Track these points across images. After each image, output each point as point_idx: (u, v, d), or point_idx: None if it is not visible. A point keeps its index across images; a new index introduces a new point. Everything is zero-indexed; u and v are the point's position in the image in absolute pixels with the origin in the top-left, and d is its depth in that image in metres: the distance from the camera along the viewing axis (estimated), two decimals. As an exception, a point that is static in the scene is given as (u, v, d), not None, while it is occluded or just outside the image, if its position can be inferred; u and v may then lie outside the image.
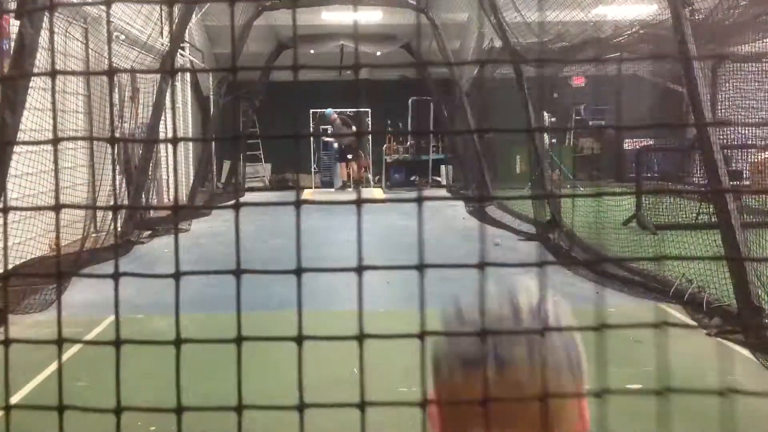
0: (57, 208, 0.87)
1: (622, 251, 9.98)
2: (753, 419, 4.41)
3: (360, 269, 0.91)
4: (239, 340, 0.91)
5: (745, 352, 5.95)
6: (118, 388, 0.92)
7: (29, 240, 8.78)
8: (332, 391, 4.56)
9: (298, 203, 0.86)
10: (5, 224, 0.95)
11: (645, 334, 5.80)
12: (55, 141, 0.89)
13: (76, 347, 6.09)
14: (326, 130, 21.19)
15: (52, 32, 3.66)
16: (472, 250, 11.17)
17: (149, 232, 12.65)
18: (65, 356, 6.09)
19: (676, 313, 7.01)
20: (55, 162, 1.03)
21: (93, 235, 11.08)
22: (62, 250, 9.92)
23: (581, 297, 7.96)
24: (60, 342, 0.93)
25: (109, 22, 9.82)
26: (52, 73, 0.88)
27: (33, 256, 8.95)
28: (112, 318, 7.20)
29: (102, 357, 5.75)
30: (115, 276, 0.94)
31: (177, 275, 0.92)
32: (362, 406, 0.90)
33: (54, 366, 5.78)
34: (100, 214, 11.38)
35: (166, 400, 0.92)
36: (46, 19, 7.32)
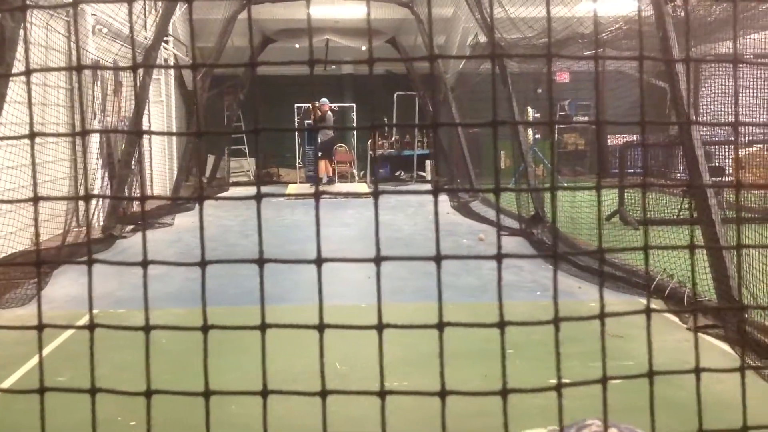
0: (35, 200, 0.87)
1: (604, 246, 10.04)
2: (728, 409, 4.46)
3: (319, 262, 0.91)
4: (220, 331, 0.91)
5: (725, 346, 6.01)
6: (92, 373, 0.92)
7: (10, 234, 8.71)
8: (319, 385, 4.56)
9: (259, 197, 0.87)
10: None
11: (625, 329, 5.85)
12: (32, 136, 0.88)
13: (56, 342, 6.06)
14: (309, 125, 21.12)
15: (26, 30, 3.63)
16: (457, 245, 11.20)
17: (132, 226, 12.58)
18: (45, 351, 6.04)
19: (658, 308, 7.07)
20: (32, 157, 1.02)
21: (75, 229, 11.00)
22: (44, 245, 9.84)
23: (564, 292, 8.02)
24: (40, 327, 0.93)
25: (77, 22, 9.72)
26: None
27: (14, 251, 8.87)
28: (95, 312, 7.15)
29: (82, 353, 5.71)
30: (89, 262, 0.94)
31: (145, 263, 0.92)
32: (382, 394, 0.91)
33: (36, 359, 5.74)
34: (82, 208, 11.29)
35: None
36: (27, 13, 7.25)
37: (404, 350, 5.70)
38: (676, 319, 6.77)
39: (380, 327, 0.87)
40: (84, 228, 11.08)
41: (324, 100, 20.20)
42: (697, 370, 0.86)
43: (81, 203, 11.14)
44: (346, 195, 17.40)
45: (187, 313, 7.02)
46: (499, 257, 0.88)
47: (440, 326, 0.88)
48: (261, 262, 0.89)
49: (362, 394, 0.90)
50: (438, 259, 0.89)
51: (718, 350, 5.95)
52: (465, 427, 4.25)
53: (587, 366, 5.37)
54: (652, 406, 0.88)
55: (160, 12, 13.63)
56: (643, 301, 7.28)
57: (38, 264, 1.28)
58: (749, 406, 1.46)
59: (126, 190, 12.82)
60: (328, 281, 8.81)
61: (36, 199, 0.86)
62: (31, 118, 1.07)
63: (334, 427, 4.39)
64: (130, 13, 1.19)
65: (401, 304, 7.23)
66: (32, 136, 0.88)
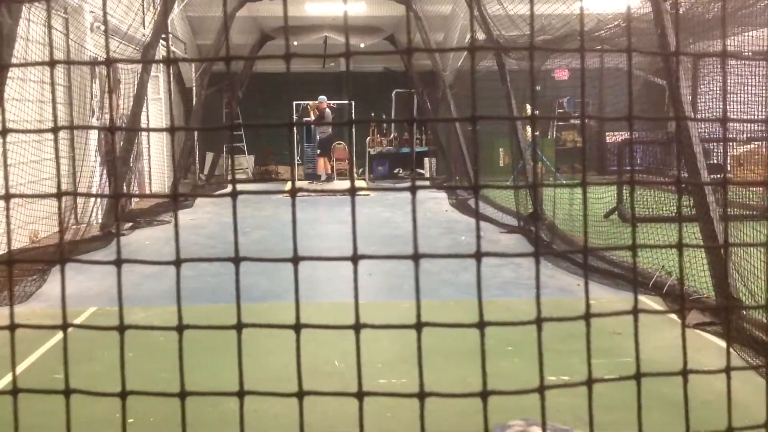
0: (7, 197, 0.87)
1: (603, 244, 10.05)
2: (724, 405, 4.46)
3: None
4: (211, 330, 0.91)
5: (724, 343, 6.02)
6: (66, 371, 0.92)
7: (1, 234, 8.70)
8: (319, 382, 4.57)
9: (234, 194, 0.87)
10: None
11: (624, 326, 5.86)
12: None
13: (53, 341, 6.05)
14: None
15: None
16: (455, 242, 11.20)
17: (130, 223, 12.57)
18: (42, 349, 6.03)
19: (656, 305, 7.07)
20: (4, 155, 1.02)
21: (73, 226, 10.99)
22: (42, 242, 9.84)
23: (563, 290, 8.03)
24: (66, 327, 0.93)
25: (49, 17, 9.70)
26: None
27: (13, 248, 8.86)
28: (92, 309, 7.16)
29: (79, 350, 5.72)
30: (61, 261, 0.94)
31: (119, 262, 0.92)
32: (360, 395, 0.91)
33: (33, 358, 5.74)
34: (80, 205, 11.29)
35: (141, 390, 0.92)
36: (25, 9, 7.23)
37: (402, 347, 5.71)
38: (674, 316, 6.77)
39: (357, 327, 0.87)
40: (82, 225, 11.07)
41: (322, 97, 20.16)
42: (684, 372, 0.86)
43: (80, 200, 11.13)
44: (332, 192, 17.36)
45: (184, 310, 7.00)
46: (478, 256, 0.88)
47: (418, 326, 0.88)
48: (237, 260, 0.89)
49: (341, 396, 0.90)
50: (416, 257, 0.89)
51: (715, 347, 5.96)
52: (468, 425, 4.26)
53: (585, 363, 5.37)
54: (639, 408, 0.88)
55: (158, 9, 13.61)
56: (642, 298, 7.29)
57: (10, 263, 1.28)
58: (750, 404, 1.46)
59: (124, 188, 12.81)
60: (329, 278, 8.80)
61: (60, 194, 0.86)
62: (70, 112, 1.07)
63: (335, 423, 4.38)
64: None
65: (398, 302, 7.24)
66: (55, 130, 0.87)
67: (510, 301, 7.54)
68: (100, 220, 12.12)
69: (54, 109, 1.37)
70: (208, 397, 1.44)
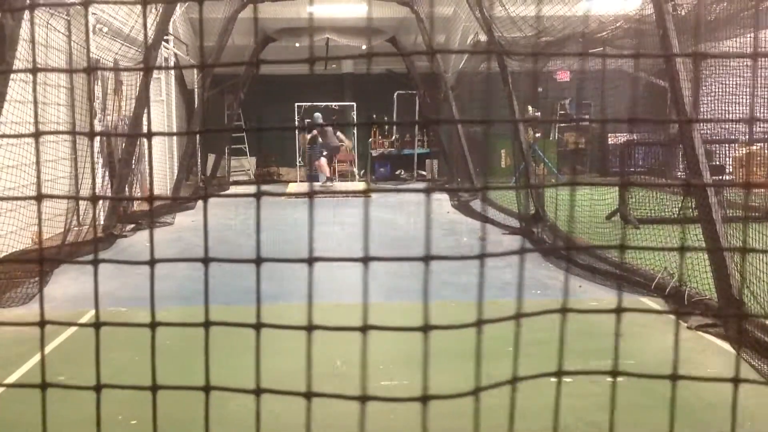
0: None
1: (605, 245, 10.05)
2: (725, 410, 4.46)
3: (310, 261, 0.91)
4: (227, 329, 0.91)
5: (726, 345, 6.01)
6: (42, 369, 0.92)
7: (10, 233, 8.71)
8: (321, 384, 4.55)
9: (206, 197, 0.86)
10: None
11: (626, 327, 5.85)
12: None
13: (56, 342, 6.06)
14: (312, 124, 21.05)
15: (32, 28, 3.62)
16: (457, 244, 11.20)
17: (132, 225, 12.58)
18: (46, 350, 6.02)
19: (658, 307, 7.06)
20: None
21: (75, 228, 11.00)
22: (44, 244, 9.84)
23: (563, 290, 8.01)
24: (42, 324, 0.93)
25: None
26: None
27: (14, 249, 8.88)
28: (94, 311, 7.15)
29: (82, 352, 5.72)
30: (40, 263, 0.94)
31: (96, 262, 0.92)
32: (363, 399, 0.91)
33: (35, 359, 5.74)
34: (82, 207, 11.29)
35: (145, 393, 0.92)
36: (27, 11, 7.24)
37: (404, 349, 5.70)
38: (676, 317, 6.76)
39: (365, 328, 0.87)
40: (85, 227, 11.08)
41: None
42: (674, 377, 0.86)
43: (82, 203, 11.14)
44: (336, 194, 17.39)
45: (183, 310, 7.01)
46: (482, 256, 0.88)
47: (426, 329, 0.88)
48: (206, 261, 0.89)
49: (344, 398, 0.90)
50: (427, 259, 0.89)
51: (717, 348, 5.95)
52: (470, 426, 4.24)
53: (588, 363, 5.37)
54: (612, 412, 0.87)
55: (160, 11, 13.61)
56: (644, 299, 7.28)
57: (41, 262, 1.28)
58: (752, 407, 1.46)
59: (126, 189, 12.82)
60: (336, 279, 8.77)
61: (77, 198, 0.86)
62: (76, 116, 1.07)
63: (335, 424, 4.37)
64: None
65: (400, 303, 7.24)
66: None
67: (511, 302, 7.53)
68: (102, 222, 12.13)
69: (35, 114, 1.37)
70: (208, 398, 1.44)
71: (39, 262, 0.90)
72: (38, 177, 1.46)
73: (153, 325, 0.81)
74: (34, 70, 0.89)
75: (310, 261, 0.91)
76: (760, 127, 9.54)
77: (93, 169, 10.63)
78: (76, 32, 12.51)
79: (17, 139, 8.50)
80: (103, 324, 1.01)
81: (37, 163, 1.33)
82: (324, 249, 10.39)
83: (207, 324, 1.03)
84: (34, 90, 1.47)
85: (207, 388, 0.91)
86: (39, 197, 1.38)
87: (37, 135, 0.92)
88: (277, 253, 9.88)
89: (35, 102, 1.47)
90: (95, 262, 0.93)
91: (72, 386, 0.87)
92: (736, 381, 1.30)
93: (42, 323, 0.93)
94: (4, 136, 8.97)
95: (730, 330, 5.99)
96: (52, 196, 1.45)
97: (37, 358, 5.77)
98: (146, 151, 15.45)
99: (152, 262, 0.86)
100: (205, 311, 0.91)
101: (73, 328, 6.82)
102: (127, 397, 1.39)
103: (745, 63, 8.59)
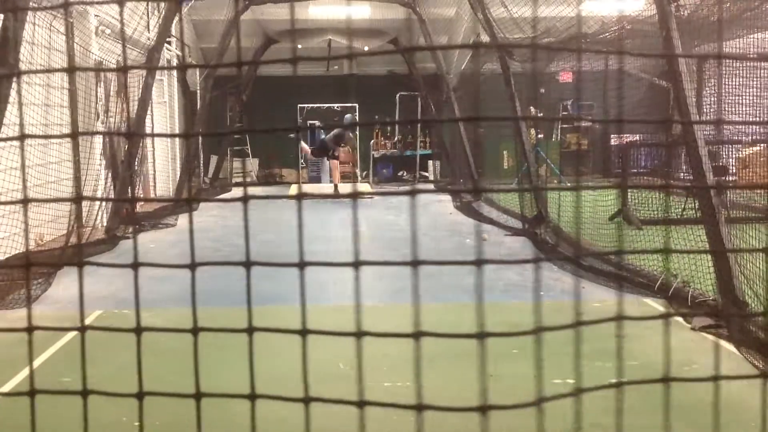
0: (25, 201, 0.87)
1: (607, 246, 10.02)
2: (733, 411, 4.45)
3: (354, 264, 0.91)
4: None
5: (730, 346, 6.00)
6: (28, 376, 0.92)
7: (14, 235, 8.72)
8: (324, 386, 4.55)
9: (190, 200, 0.87)
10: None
11: (629, 328, 5.84)
12: None
13: (60, 343, 6.06)
14: (312, 125, 21.08)
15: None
16: (460, 244, 11.19)
17: (135, 226, 12.59)
18: (49, 352, 6.03)
19: (661, 308, 7.05)
20: None
21: (83, 229, 11.01)
22: (48, 245, 9.86)
23: (568, 292, 8.01)
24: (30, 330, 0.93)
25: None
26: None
27: (17, 251, 8.88)
28: (98, 313, 7.16)
29: (87, 353, 5.72)
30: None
31: (80, 264, 0.92)
32: (361, 404, 0.91)
33: (38, 362, 5.74)
34: (85, 209, 11.31)
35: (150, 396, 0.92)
36: (30, 13, 7.25)
37: (408, 350, 5.68)
38: (680, 319, 6.75)
39: (359, 334, 0.87)
40: (87, 228, 11.09)
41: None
42: (666, 380, 0.86)
43: (84, 204, 11.15)
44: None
45: (184, 311, 7.01)
46: (479, 262, 0.88)
47: (417, 335, 0.88)
48: (193, 266, 0.89)
49: (342, 404, 0.90)
50: (415, 263, 0.89)
51: (724, 351, 5.94)
52: (473, 426, 4.24)
53: (592, 366, 5.36)
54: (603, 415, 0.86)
55: (163, 13, 13.64)
56: (647, 301, 7.27)
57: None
58: (753, 407, 1.45)
59: (129, 191, 12.83)
60: (341, 281, 8.77)
61: (80, 199, 0.86)
62: (80, 116, 1.07)
63: (335, 424, 4.37)
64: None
65: (404, 305, 7.23)
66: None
67: (515, 304, 7.53)
68: (105, 223, 12.15)
69: (21, 117, 1.37)
70: (207, 399, 1.44)
71: (26, 267, 0.90)
72: (23, 180, 1.46)
73: (138, 330, 0.81)
74: (19, 73, 0.89)
75: (301, 265, 0.91)
76: (763, 128, 9.54)
77: (80, 171, 10.62)
78: (78, 34, 12.53)
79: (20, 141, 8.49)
80: (88, 328, 1.01)
81: (22, 166, 1.33)
82: (328, 251, 10.39)
83: (195, 330, 1.03)
84: (19, 93, 1.47)
85: (198, 395, 0.91)
86: (25, 201, 1.38)
87: (18, 138, 0.92)
88: (279, 256, 9.89)
89: (20, 104, 1.47)
90: (80, 264, 0.93)
91: (59, 391, 0.87)
92: (716, 379, 1.30)
93: (30, 329, 0.93)
94: (29, 136, 8.97)
95: (733, 331, 5.98)
96: (37, 200, 1.45)
97: (40, 359, 5.77)
98: (148, 153, 15.48)
99: (135, 266, 0.86)
100: (193, 316, 0.91)
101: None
102: (131, 399, 1.39)
103: (747, 64, 8.59)
